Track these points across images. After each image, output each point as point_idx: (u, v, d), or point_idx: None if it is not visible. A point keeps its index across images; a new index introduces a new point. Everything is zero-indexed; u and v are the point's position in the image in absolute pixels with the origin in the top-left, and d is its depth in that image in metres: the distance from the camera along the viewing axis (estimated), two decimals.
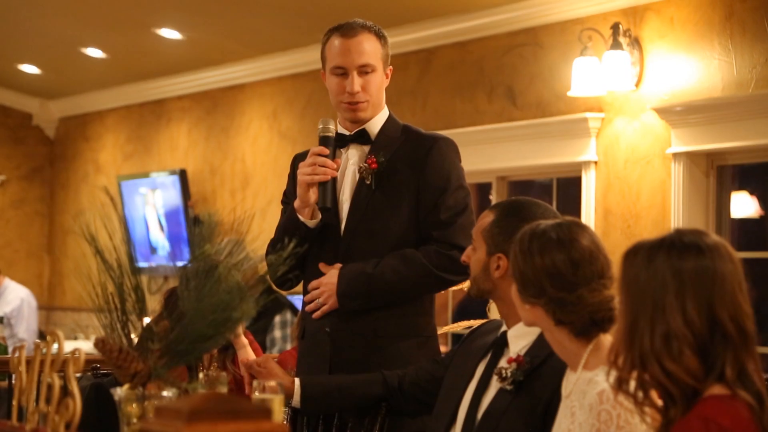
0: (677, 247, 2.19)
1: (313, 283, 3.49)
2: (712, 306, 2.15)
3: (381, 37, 3.55)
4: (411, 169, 3.47)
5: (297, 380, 3.27)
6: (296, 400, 3.26)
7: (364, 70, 3.50)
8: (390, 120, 3.59)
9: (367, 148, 3.53)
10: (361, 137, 3.55)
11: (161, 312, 2.82)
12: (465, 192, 3.52)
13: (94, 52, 8.82)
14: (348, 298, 3.42)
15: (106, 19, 8.12)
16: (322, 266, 3.48)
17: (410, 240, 3.46)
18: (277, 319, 6.15)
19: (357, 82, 3.49)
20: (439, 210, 3.44)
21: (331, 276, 3.45)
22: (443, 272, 3.42)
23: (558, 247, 2.61)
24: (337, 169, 3.46)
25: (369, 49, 3.50)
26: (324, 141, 3.49)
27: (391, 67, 3.59)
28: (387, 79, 3.58)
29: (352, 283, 3.41)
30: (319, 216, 3.49)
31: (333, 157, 3.46)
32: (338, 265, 3.47)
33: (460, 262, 3.29)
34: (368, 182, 3.47)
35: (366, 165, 3.48)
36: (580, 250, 2.61)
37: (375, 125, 3.55)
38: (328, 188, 3.44)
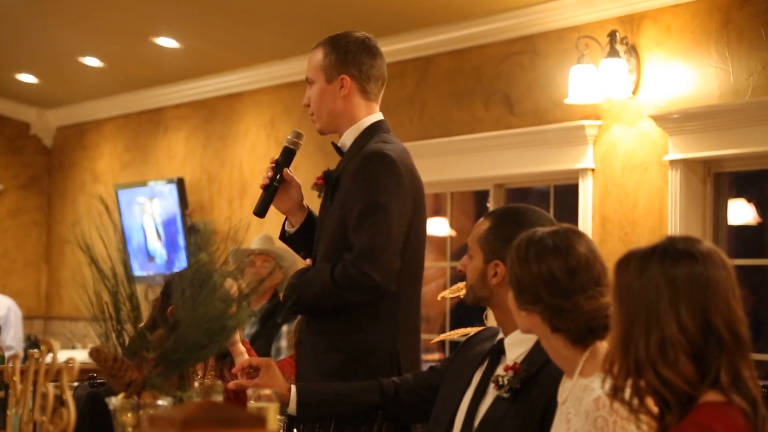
0: (670, 254, 2.19)
1: None
2: (706, 312, 2.15)
3: (329, 46, 3.58)
4: (348, 184, 3.50)
5: (293, 387, 3.27)
6: (292, 407, 3.26)
7: (308, 83, 3.63)
8: (365, 133, 3.58)
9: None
10: (339, 150, 3.62)
11: (151, 317, 2.82)
12: (380, 211, 3.40)
13: (92, 61, 8.83)
14: (285, 299, 3.53)
15: (103, 28, 8.12)
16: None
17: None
18: (285, 329, 6.13)
19: (305, 95, 3.64)
20: (352, 229, 3.42)
21: None
22: (341, 289, 3.38)
23: (554, 254, 2.62)
24: (274, 178, 3.56)
25: (311, 62, 3.62)
26: (283, 150, 3.62)
27: (345, 77, 3.55)
28: (343, 89, 3.56)
29: (289, 286, 3.50)
30: (299, 222, 3.63)
31: (282, 167, 3.58)
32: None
33: (360, 282, 3.34)
34: (319, 197, 3.57)
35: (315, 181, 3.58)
36: (576, 257, 2.62)
37: (346, 139, 3.61)
38: (267, 194, 3.59)
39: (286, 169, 3.59)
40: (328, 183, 3.52)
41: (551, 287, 2.59)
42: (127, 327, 2.48)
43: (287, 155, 3.61)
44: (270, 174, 3.57)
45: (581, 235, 2.68)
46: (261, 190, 3.63)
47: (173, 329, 2.44)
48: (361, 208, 3.40)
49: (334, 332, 3.46)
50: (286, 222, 3.69)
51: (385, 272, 3.36)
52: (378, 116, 3.61)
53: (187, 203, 8.86)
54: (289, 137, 3.62)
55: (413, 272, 3.54)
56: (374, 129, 3.57)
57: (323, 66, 3.57)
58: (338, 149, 3.63)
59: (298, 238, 3.65)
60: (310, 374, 3.48)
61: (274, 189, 3.58)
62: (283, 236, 3.70)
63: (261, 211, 3.59)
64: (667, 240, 2.24)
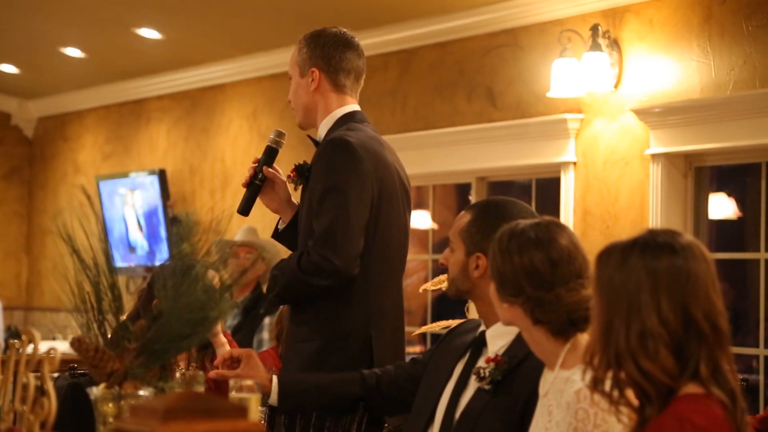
0: (651, 247, 2.20)
1: None
2: (686, 305, 2.16)
3: (304, 41, 3.65)
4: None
5: (274, 378, 3.27)
6: (273, 398, 3.26)
7: (290, 79, 3.70)
8: (337, 123, 3.60)
9: None
10: (316, 142, 3.64)
11: (135, 308, 2.82)
12: (338, 196, 3.41)
13: (74, 52, 8.79)
14: (269, 291, 3.56)
15: (85, 19, 8.09)
16: None
17: None
18: (267, 320, 6.13)
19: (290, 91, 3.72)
20: (314, 215, 3.43)
21: None
22: (306, 275, 3.38)
23: (537, 246, 2.63)
24: (255, 176, 3.61)
25: (291, 58, 3.69)
26: (265, 150, 3.67)
27: (313, 69, 3.60)
28: (314, 82, 3.61)
29: (271, 278, 3.52)
30: (287, 220, 3.66)
31: (262, 165, 3.62)
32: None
33: (322, 267, 3.35)
34: (296, 190, 3.60)
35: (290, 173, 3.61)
36: (558, 249, 2.62)
37: (320, 131, 3.63)
38: (249, 193, 3.64)
39: (266, 168, 3.61)
40: (301, 175, 3.54)
41: (533, 279, 2.60)
42: (109, 317, 2.48)
43: (269, 154, 3.66)
44: (250, 173, 3.60)
45: (563, 228, 2.68)
46: (243, 187, 3.67)
47: (155, 320, 2.44)
48: (319, 195, 3.42)
49: (311, 320, 3.47)
50: (280, 220, 3.70)
51: (345, 256, 3.36)
52: (352, 107, 3.62)
53: (169, 194, 8.84)
54: (271, 137, 3.67)
55: (384, 257, 3.51)
56: (346, 119, 3.59)
57: (297, 61, 3.64)
58: (315, 142, 3.64)
59: (288, 235, 3.65)
60: (292, 363, 3.48)
61: (257, 187, 3.63)
62: (276, 233, 3.71)
63: (244, 210, 3.64)
64: (647, 233, 2.25)
